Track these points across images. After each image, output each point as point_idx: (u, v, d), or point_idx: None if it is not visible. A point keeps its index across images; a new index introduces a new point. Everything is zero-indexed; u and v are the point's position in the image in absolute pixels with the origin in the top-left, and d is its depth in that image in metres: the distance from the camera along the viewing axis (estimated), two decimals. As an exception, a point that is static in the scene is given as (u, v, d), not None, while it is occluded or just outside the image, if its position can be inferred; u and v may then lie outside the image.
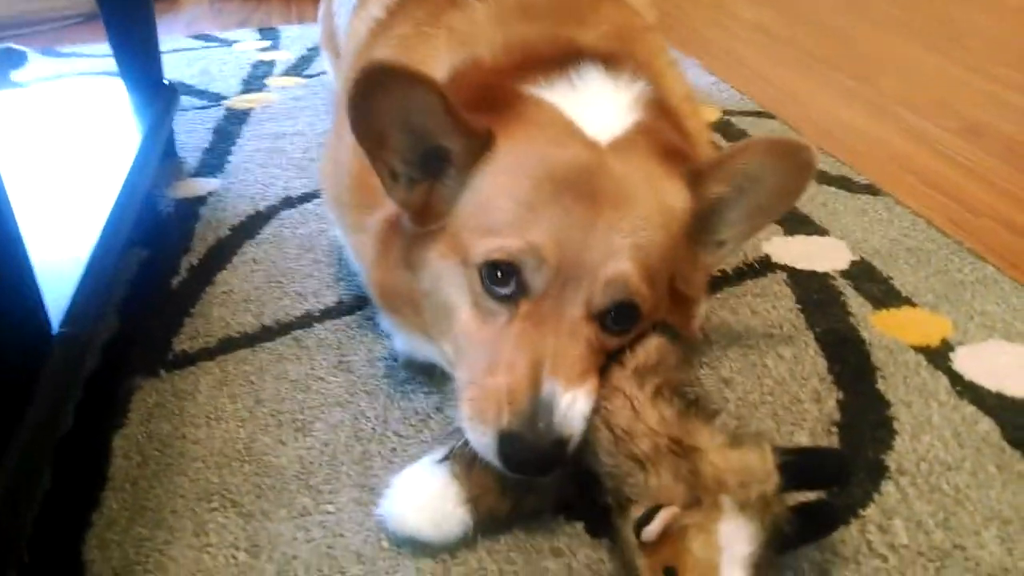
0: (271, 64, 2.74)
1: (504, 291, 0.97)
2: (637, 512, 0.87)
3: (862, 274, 1.50)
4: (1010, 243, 1.61)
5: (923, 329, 1.35)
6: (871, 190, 1.81)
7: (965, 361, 1.27)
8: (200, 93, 2.48)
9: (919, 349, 1.30)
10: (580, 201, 0.96)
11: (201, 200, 1.82)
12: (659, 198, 1.01)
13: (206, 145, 2.10)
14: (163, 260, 1.58)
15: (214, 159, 2.02)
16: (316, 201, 1.79)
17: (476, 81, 1.12)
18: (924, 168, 1.92)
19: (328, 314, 1.41)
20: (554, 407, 0.91)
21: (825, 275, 1.51)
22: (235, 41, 3.03)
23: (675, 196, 1.03)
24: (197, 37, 3.12)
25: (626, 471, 0.90)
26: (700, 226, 1.07)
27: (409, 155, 1.03)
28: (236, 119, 2.26)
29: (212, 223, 1.71)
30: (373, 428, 1.16)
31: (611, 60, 1.14)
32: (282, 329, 1.37)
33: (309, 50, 2.86)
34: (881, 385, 1.22)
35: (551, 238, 0.95)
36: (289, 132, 2.17)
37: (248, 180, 1.91)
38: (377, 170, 1.04)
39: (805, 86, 2.48)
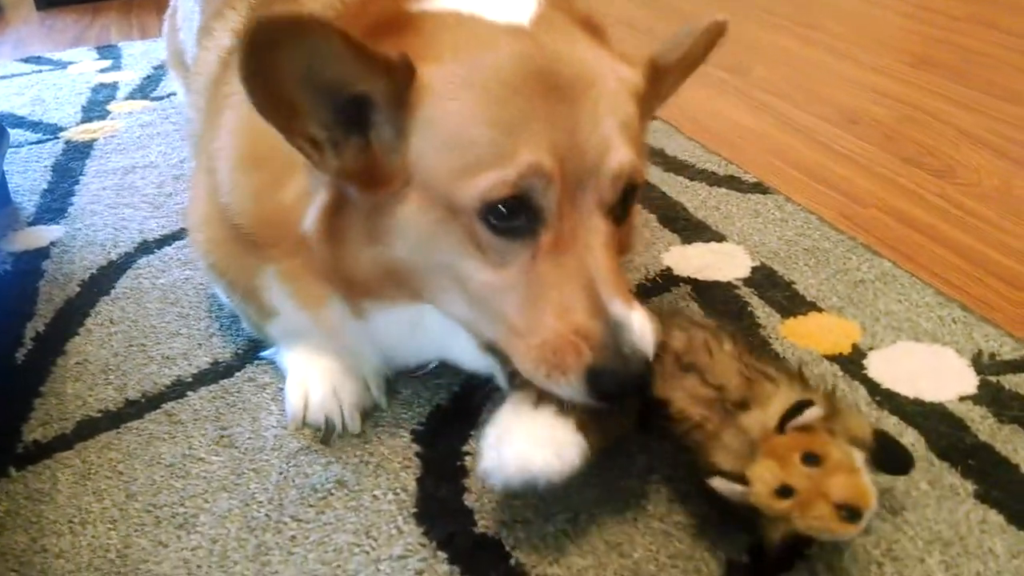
0: (113, 87, 2.52)
1: (514, 225, 0.89)
2: (752, 414, 0.90)
3: (765, 281, 1.47)
4: (900, 233, 1.61)
5: (833, 336, 1.32)
6: (760, 188, 1.78)
7: (879, 367, 1.24)
8: (34, 125, 2.26)
9: (832, 358, 1.26)
10: (551, 97, 0.88)
11: (43, 252, 1.63)
12: (614, 69, 0.96)
13: (45, 186, 1.90)
14: (2, 330, 1.39)
15: (55, 202, 1.83)
16: (177, 244, 1.62)
17: (350, 21, 0.97)
18: (806, 161, 1.91)
19: (202, 379, 1.26)
20: (630, 327, 0.88)
21: (728, 284, 1.46)
22: (70, 62, 2.78)
23: (627, 71, 0.99)
24: (26, 60, 2.84)
25: (750, 381, 0.93)
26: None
27: (325, 115, 0.90)
28: (78, 153, 2.06)
29: (58, 279, 1.53)
30: (267, 514, 1.03)
31: None
32: (150, 402, 1.22)
33: (155, 68, 2.64)
34: (802, 403, 1.18)
35: (546, 150, 0.87)
36: (140, 164, 1.99)
37: (97, 224, 1.72)
38: (296, 146, 0.91)
39: (679, 80, 2.45)
